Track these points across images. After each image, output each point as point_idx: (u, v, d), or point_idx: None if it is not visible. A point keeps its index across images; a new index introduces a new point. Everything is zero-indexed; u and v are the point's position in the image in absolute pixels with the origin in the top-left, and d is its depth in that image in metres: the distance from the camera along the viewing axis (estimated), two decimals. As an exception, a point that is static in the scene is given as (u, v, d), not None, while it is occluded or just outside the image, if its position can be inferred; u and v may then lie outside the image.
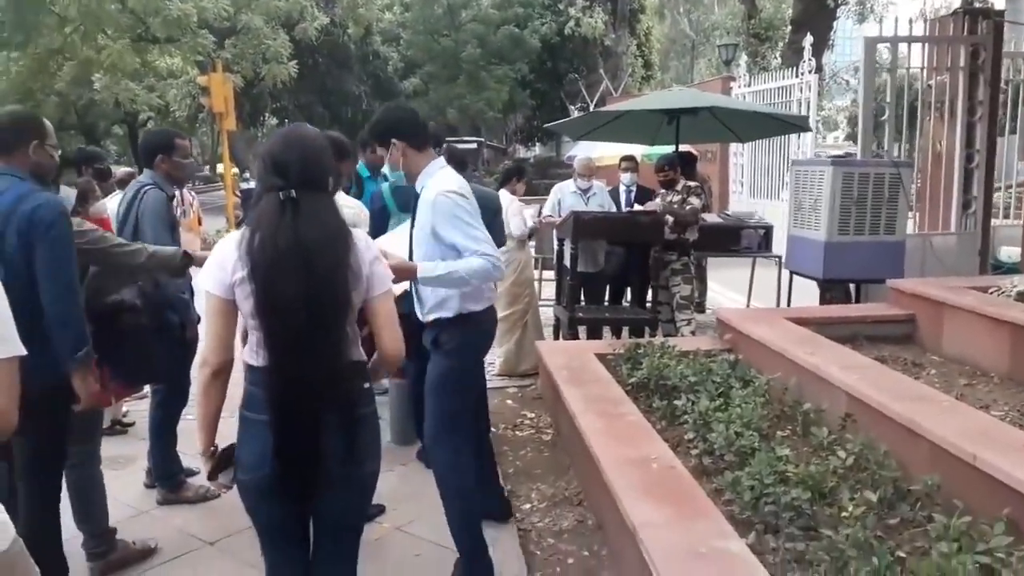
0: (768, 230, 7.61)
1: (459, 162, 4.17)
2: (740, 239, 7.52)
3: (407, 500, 3.59)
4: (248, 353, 2.02)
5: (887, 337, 4.88)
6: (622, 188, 6.44)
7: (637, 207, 5.98)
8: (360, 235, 2.07)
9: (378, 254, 2.11)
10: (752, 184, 13.80)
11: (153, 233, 3.44)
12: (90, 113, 31.76)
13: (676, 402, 3.63)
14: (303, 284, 1.87)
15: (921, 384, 3.50)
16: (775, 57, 16.84)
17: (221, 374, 1.99)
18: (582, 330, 5.80)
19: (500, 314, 5.72)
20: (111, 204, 4.41)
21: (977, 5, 7.75)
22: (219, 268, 1.96)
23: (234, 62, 15.98)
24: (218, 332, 1.97)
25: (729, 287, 9.29)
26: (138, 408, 4.58)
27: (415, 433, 4.11)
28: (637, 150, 8.79)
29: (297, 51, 18.83)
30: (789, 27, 16.24)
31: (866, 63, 7.23)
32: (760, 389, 3.68)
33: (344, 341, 1.99)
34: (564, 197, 6.04)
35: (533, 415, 4.68)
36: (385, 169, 3.20)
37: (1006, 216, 9.17)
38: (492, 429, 4.18)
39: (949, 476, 2.72)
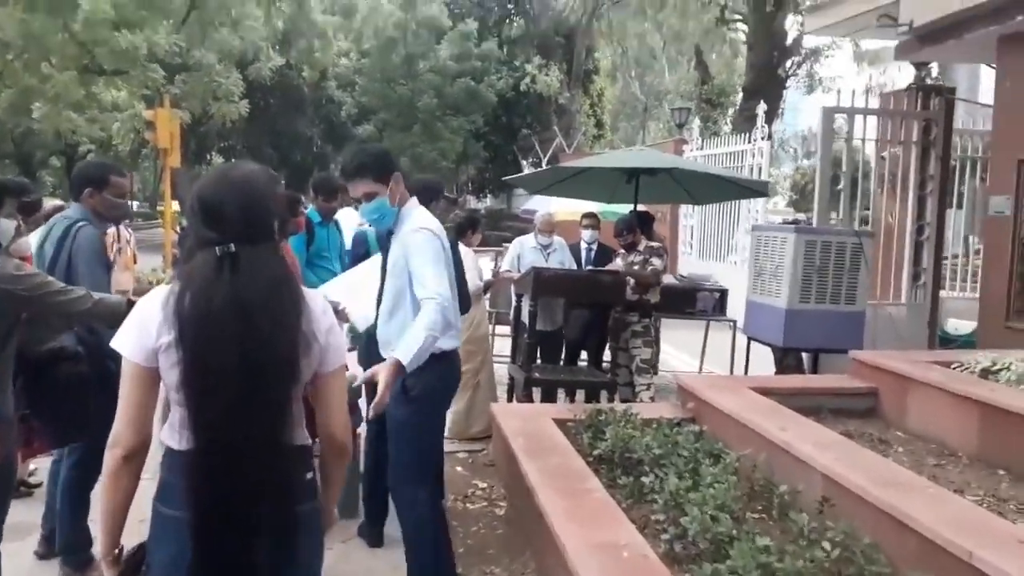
0: (723, 293, 7.54)
1: (435, 192, 4.00)
2: (695, 302, 7.43)
3: (346, 585, 3.23)
4: (168, 433, 1.70)
5: (850, 411, 4.75)
6: (583, 245, 6.28)
7: (598, 266, 5.82)
8: (315, 297, 1.80)
9: (334, 322, 1.83)
10: (701, 246, 13.91)
11: (90, 274, 3.12)
12: (27, 142, 30.73)
13: (643, 479, 3.38)
14: (241, 349, 1.57)
15: (900, 467, 3.33)
16: (726, 123, 17.24)
17: (135, 458, 1.66)
18: (536, 390, 5.55)
19: (452, 372, 5.47)
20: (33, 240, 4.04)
21: (929, 82, 7.95)
22: (140, 330, 1.65)
23: (183, 98, 15.59)
24: (135, 406, 1.65)
25: (681, 349, 9.18)
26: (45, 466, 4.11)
27: (356, 505, 3.78)
28: (590, 207, 8.72)
29: (249, 91, 18.52)
30: (740, 94, 16.66)
31: (823, 132, 7.31)
32: (731, 466, 3.46)
33: (287, 420, 1.68)
34: (524, 252, 5.85)
35: (485, 485, 4.37)
36: (360, 210, 3.06)
37: (951, 288, 9.31)
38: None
39: (941, 573, 2.52)
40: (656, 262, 5.65)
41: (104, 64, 12.96)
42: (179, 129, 13.82)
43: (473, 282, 5.40)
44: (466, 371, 5.32)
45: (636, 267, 5.65)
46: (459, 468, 4.68)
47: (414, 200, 3.06)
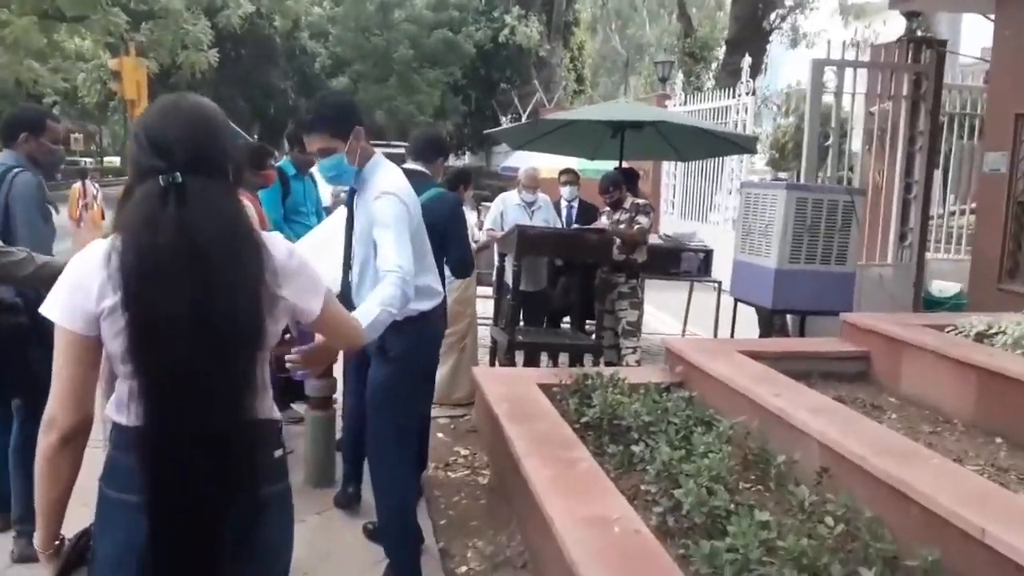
0: (708, 254, 7.40)
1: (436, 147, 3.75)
2: (680, 262, 7.27)
3: (323, 562, 3.06)
4: (114, 408, 1.49)
5: (841, 375, 4.64)
6: (563, 203, 6.07)
7: (580, 224, 5.62)
8: (277, 241, 1.57)
9: (303, 260, 1.60)
10: (684, 206, 13.74)
11: (28, 223, 2.92)
12: (-12, 93, 29.68)
13: (633, 447, 3.23)
14: (194, 299, 1.35)
15: (900, 436, 3.20)
16: (709, 78, 16.95)
17: (73, 440, 1.44)
18: (519, 353, 5.39)
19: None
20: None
21: (919, 34, 7.74)
22: (78, 292, 1.41)
23: (150, 48, 14.98)
24: (73, 380, 1.43)
25: (663, 310, 9.06)
26: None
27: (333, 475, 3.61)
28: (572, 163, 8.48)
29: (219, 40, 17.85)
30: (724, 48, 16.34)
31: (813, 86, 7.09)
32: (724, 435, 3.32)
33: (250, 387, 1.46)
34: (508, 209, 5.63)
35: (467, 452, 4.22)
36: (315, 167, 2.99)
37: (935, 249, 9.24)
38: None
39: (950, 549, 2.41)
40: (643, 220, 5.47)
41: (64, 9, 12.33)
42: (146, 79, 13.30)
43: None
44: (453, 333, 5.15)
45: (622, 225, 5.46)
46: (440, 435, 4.51)
47: (378, 157, 2.82)
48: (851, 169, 7.93)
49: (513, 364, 5.03)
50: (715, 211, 12.92)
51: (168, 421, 1.38)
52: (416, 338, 2.88)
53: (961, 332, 4.53)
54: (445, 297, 3.18)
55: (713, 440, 3.26)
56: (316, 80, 25.74)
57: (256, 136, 24.16)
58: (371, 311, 2.39)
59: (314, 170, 4.97)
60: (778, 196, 5.40)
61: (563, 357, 5.41)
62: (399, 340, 2.78)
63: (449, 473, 3.94)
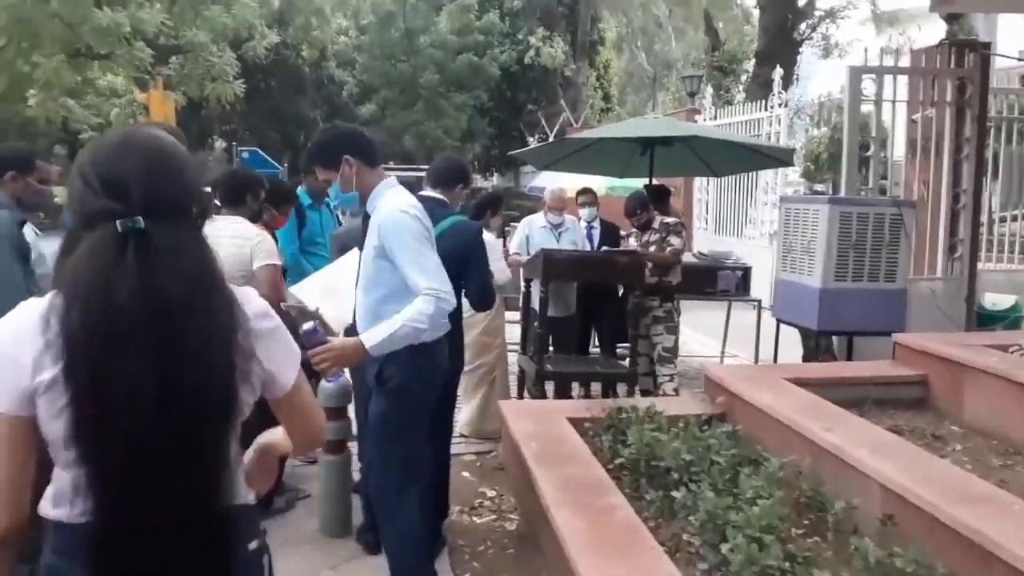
0: (746, 271, 7.09)
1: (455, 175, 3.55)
2: (716, 281, 6.97)
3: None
4: (51, 502, 1.25)
5: (897, 401, 4.30)
6: (582, 224, 5.81)
7: (605, 246, 5.35)
8: (248, 295, 1.34)
9: (278, 323, 1.37)
10: (717, 221, 13.38)
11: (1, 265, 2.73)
12: (26, 132, 30.33)
13: (674, 492, 2.94)
14: (159, 368, 1.13)
15: (975, 477, 2.87)
16: (739, 91, 16.62)
17: (8, 543, 1.21)
18: (549, 382, 5.12)
19: (466, 368, 5.02)
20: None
21: (961, 37, 7.39)
22: (5, 366, 1.18)
23: (180, 82, 15.11)
24: (6, 472, 1.19)
25: (699, 331, 8.72)
26: None
27: (350, 522, 3.37)
28: (595, 183, 8.22)
29: (246, 72, 17.96)
30: (753, 60, 16.01)
31: (851, 94, 6.77)
32: (774, 476, 3.01)
33: (224, 472, 1.23)
34: (533, 232, 5.38)
35: (494, 493, 3.95)
36: (331, 193, 2.88)
37: (987, 260, 8.78)
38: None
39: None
40: (675, 240, 5.19)
41: (89, 43, 12.47)
42: (174, 112, 13.37)
43: (502, 272, 4.97)
44: (481, 366, 4.92)
45: (652, 247, 5.19)
46: (466, 473, 4.25)
47: (388, 181, 2.78)
48: (885, 179, 7.56)
49: (543, 394, 4.77)
50: (751, 226, 12.55)
51: (126, 516, 1.14)
52: (415, 370, 2.71)
53: (1028, 353, 4.18)
54: (459, 329, 2.98)
55: (762, 483, 2.96)
56: (344, 108, 25.86)
57: (286, 164, 24.31)
58: (394, 322, 2.49)
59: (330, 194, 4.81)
60: (820, 211, 5.08)
61: (596, 385, 5.14)
62: (397, 371, 2.69)
63: (475, 518, 3.67)
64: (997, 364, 3.85)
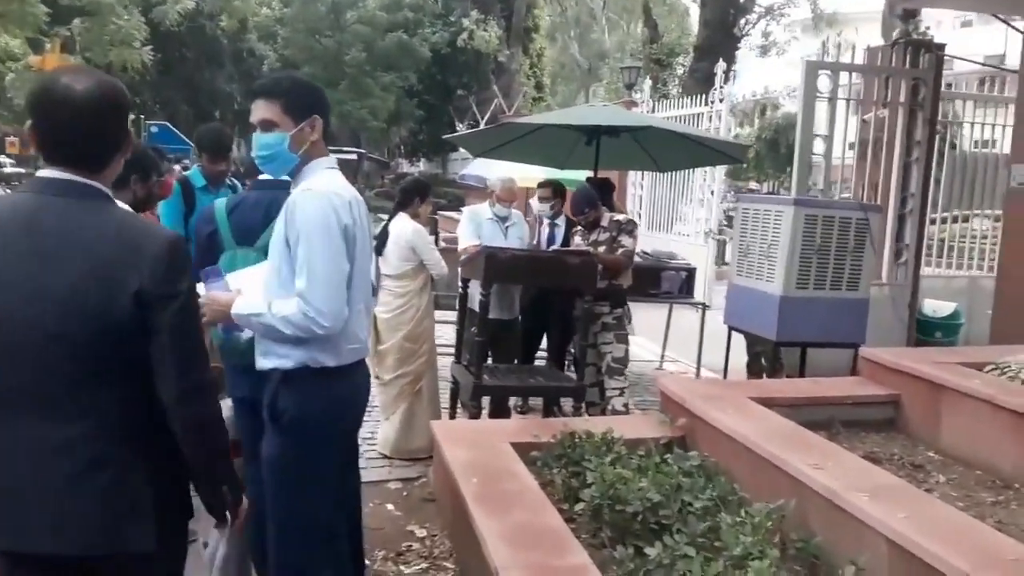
0: (691, 272, 6.71)
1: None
2: (660, 282, 6.57)
3: None
4: None
5: (867, 423, 3.96)
6: (544, 223, 5.28)
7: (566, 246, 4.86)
8: None
9: None
10: (651, 217, 13.06)
11: None
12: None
13: (647, 550, 2.45)
14: None
15: (998, 534, 2.47)
16: (675, 84, 16.40)
17: None
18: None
19: (386, 377, 4.43)
20: None
21: (915, 36, 7.18)
22: None
23: (86, 47, 13.86)
24: None
25: (638, 333, 8.33)
26: None
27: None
28: (532, 173, 7.72)
29: (159, 41, 16.73)
30: (691, 54, 15.80)
31: (806, 90, 6.44)
32: (761, 526, 2.55)
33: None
34: (479, 225, 4.82)
35: (424, 533, 3.37)
36: (253, 140, 2.27)
37: (925, 264, 8.69)
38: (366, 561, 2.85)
39: None
40: (627, 241, 4.71)
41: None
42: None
43: (438, 266, 4.39)
44: (404, 375, 4.35)
45: (602, 247, 4.70)
46: (390, 506, 3.67)
47: (328, 161, 2.28)
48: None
49: (478, 409, 4.22)
50: (683, 223, 12.28)
51: None
52: (316, 398, 2.19)
53: (1006, 372, 3.88)
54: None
55: (750, 535, 2.49)
56: (264, 83, 24.61)
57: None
58: (261, 305, 2.14)
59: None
60: (784, 212, 4.70)
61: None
62: (293, 400, 2.16)
63: (402, 566, 3.09)
64: (980, 387, 3.52)
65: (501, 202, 4.83)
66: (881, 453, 3.57)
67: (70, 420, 1.50)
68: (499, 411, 4.74)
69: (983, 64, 8.38)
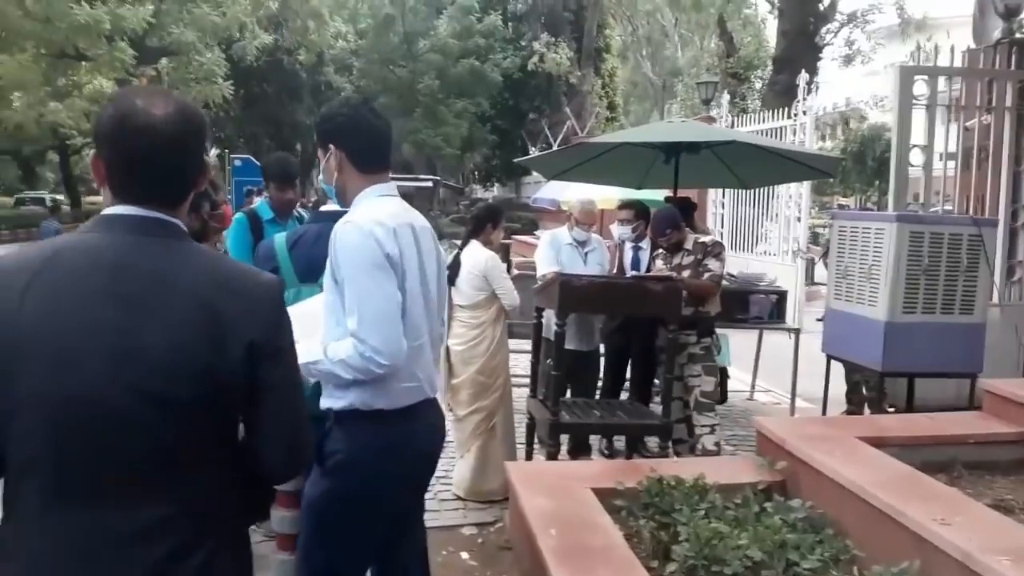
0: (782, 296, 6.31)
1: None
2: (749, 306, 6.19)
3: None
4: None
5: (992, 464, 3.53)
6: (627, 246, 5.01)
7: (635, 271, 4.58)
8: None
9: None
10: (734, 237, 12.59)
11: None
12: (17, 137, 29.68)
13: (752, 622, 2.15)
14: None
15: None
16: (753, 98, 15.88)
17: None
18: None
19: (460, 412, 4.22)
20: None
21: (1020, 36, 6.64)
22: None
23: (172, 85, 14.39)
24: None
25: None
26: None
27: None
28: (607, 195, 7.45)
29: (241, 76, 17.24)
30: (769, 67, 15.28)
31: (901, 97, 6.01)
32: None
33: None
34: (558, 251, 4.59)
35: (501, 585, 3.15)
36: (321, 183, 2.30)
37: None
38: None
39: None
40: (714, 264, 4.40)
41: (70, 41, 11.70)
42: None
43: (510, 296, 4.20)
44: (478, 411, 4.13)
45: (686, 271, 4.40)
46: (464, 554, 3.44)
47: (373, 189, 2.13)
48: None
49: (556, 448, 3.97)
50: (765, 241, 11.77)
51: None
52: (366, 442, 2.01)
53: None
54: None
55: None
56: (341, 115, 25.15)
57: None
58: (318, 351, 1.97)
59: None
60: (886, 230, 4.30)
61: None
62: (342, 443, 2.02)
63: (477, 627, 2.86)
64: None
65: (580, 225, 4.60)
66: (1013, 501, 3.15)
67: (154, 501, 1.25)
68: (579, 449, 4.47)
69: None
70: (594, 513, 2.90)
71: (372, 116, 2.15)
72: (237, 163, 20.59)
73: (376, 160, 2.14)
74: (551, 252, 4.62)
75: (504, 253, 5.44)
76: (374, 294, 1.92)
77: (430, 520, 3.38)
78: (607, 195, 6.81)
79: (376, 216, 2.00)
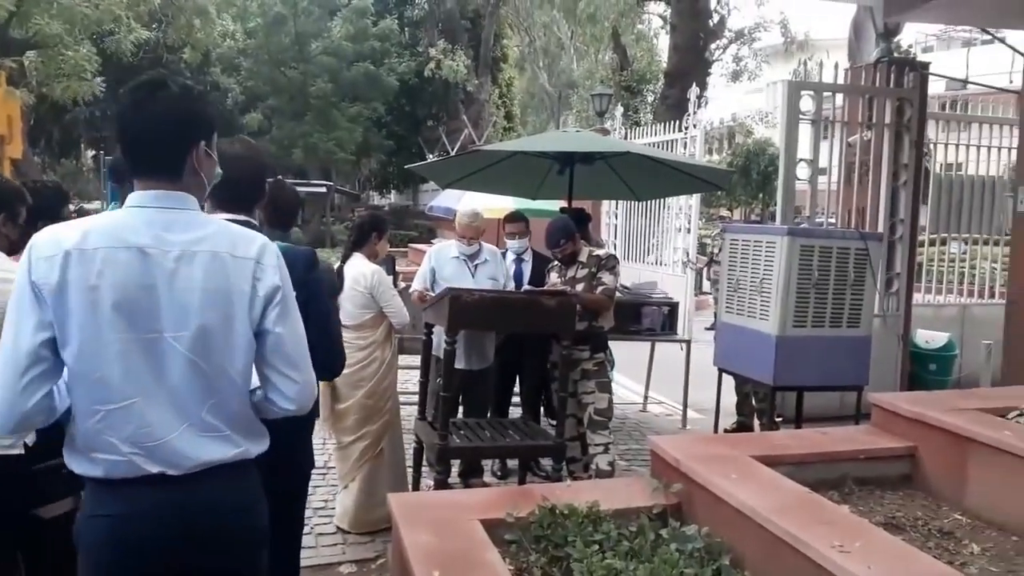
0: (673, 307, 6.30)
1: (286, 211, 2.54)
2: (641, 318, 6.15)
3: None
4: None
5: (881, 480, 3.54)
6: (509, 257, 4.83)
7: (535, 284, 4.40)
8: None
9: None
10: (626, 248, 12.70)
11: None
12: None
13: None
14: None
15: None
16: (646, 111, 16.17)
17: None
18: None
19: (345, 440, 3.89)
20: None
21: (897, 55, 6.92)
22: None
23: (43, 82, 13.28)
24: None
25: (619, 370, 7.89)
26: None
27: None
28: (503, 204, 7.29)
29: (118, 74, 16.11)
30: (662, 80, 15.59)
31: (789, 112, 6.14)
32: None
33: None
34: (442, 265, 4.35)
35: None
36: None
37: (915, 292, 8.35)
38: None
39: None
40: (608, 279, 4.28)
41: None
42: (19, 112, 11.63)
43: (402, 313, 3.91)
44: (363, 436, 3.83)
45: (580, 284, 4.26)
46: (342, 598, 3.15)
47: (131, 196, 1.66)
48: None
49: (446, 473, 3.73)
50: (657, 253, 11.94)
51: None
52: (86, 510, 1.66)
53: (1034, 420, 3.48)
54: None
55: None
56: (228, 117, 24.08)
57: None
58: None
59: None
60: (777, 243, 4.30)
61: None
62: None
63: None
64: (1015, 441, 3.10)
65: (463, 238, 4.37)
66: (903, 518, 3.14)
67: None
68: (471, 472, 4.25)
69: (975, 83, 8.13)
70: (481, 549, 2.67)
71: (132, 108, 1.65)
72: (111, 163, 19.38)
73: (138, 163, 1.66)
74: (428, 267, 4.40)
75: (390, 265, 5.15)
76: (6, 330, 1.54)
77: (305, 558, 3.08)
78: (505, 205, 6.63)
79: (67, 230, 1.58)
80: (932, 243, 8.02)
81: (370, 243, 3.99)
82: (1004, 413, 3.58)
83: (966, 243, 8.09)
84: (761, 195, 18.07)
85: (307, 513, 2.61)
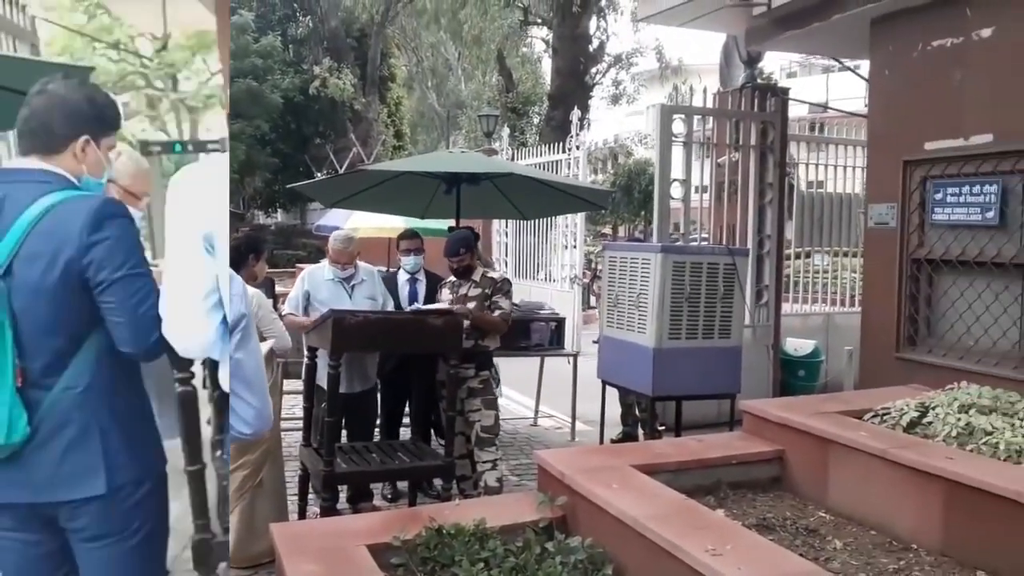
0: (560, 323, 6.44)
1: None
2: (530, 333, 6.26)
3: None
4: None
5: (753, 483, 3.74)
6: (402, 276, 4.82)
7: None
8: None
9: None
10: (515, 266, 12.89)
11: None
12: None
13: None
14: None
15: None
16: (532, 132, 16.49)
17: None
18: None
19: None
20: None
21: (760, 81, 7.37)
22: None
23: None
24: None
25: (508, 384, 7.97)
26: None
27: None
28: (391, 224, 7.29)
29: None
30: (547, 103, 15.95)
31: (662, 134, 6.41)
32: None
33: None
34: (316, 288, 4.28)
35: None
36: None
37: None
38: None
39: None
40: (504, 303, 4.34)
41: None
42: None
43: (285, 337, 3.82)
44: (243, 465, 3.71)
45: (472, 303, 4.30)
46: (224, 634, 3.03)
47: None
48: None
49: (334, 500, 3.67)
50: (546, 269, 12.18)
51: None
52: None
53: (886, 420, 3.77)
54: None
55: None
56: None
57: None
58: None
59: None
60: (652, 260, 4.48)
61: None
62: None
63: None
64: (869, 440, 3.35)
65: (336, 264, 4.32)
66: (774, 519, 3.32)
67: None
68: (360, 497, 4.19)
69: (833, 108, 8.75)
70: (368, 575, 2.65)
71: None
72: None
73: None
74: (302, 291, 4.35)
75: (269, 287, 5.04)
76: None
77: (182, 598, 2.94)
78: (396, 224, 6.61)
79: None
80: (798, 256, 8.56)
81: (248, 265, 3.88)
82: (861, 415, 3.85)
83: (829, 255, 8.65)
84: (643, 212, 18.75)
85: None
